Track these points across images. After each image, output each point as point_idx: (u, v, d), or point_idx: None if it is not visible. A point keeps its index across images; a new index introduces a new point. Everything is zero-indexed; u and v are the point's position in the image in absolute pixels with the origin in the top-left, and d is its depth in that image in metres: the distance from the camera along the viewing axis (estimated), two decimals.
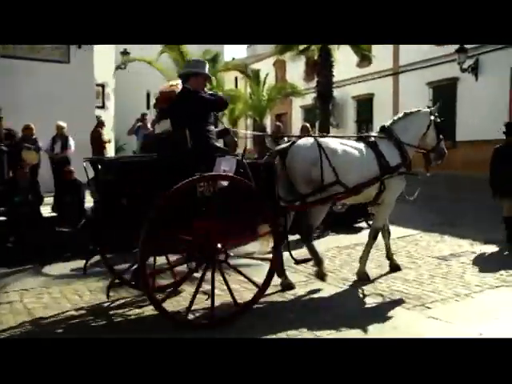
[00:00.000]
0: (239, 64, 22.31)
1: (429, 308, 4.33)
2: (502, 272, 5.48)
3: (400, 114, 5.53)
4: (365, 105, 20.05)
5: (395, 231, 7.58)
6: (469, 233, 7.16)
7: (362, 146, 5.08)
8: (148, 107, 19.50)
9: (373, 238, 5.20)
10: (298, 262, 4.64)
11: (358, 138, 5.28)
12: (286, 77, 23.16)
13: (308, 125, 10.43)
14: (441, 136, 5.58)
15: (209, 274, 3.91)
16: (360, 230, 7.99)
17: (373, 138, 5.18)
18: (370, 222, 6.63)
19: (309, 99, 19.88)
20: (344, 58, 16.76)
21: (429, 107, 5.77)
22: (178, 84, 4.43)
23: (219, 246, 3.94)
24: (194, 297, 3.84)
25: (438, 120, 5.59)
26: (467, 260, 6.04)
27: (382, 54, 17.02)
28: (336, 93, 17.96)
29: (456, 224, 7.77)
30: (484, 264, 5.86)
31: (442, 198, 5.47)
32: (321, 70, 15.50)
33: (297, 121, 23.52)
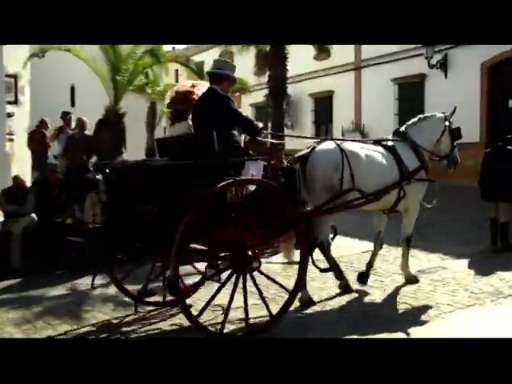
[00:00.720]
0: (180, 55, 22.13)
1: (394, 332, 4.35)
2: (475, 289, 5.64)
3: (414, 119, 6.06)
4: (323, 103, 20.32)
5: (358, 245, 7.70)
6: (440, 246, 7.35)
7: (381, 150, 5.58)
8: (73, 104, 18.89)
9: (407, 245, 5.86)
10: (322, 270, 5.29)
11: (374, 141, 5.79)
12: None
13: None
14: (455, 143, 6.17)
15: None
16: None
17: (390, 142, 5.70)
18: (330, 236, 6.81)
19: (260, 96, 19.93)
20: (300, 51, 16.97)
21: (443, 113, 6.33)
22: (197, 85, 4.88)
23: (250, 253, 4.31)
24: (228, 308, 4.19)
25: (453, 126, 6.18)
26: (437, 276, 6.19)
27: (342, 47, 17.36)
28: (291, 89, 18.06)
29: (426, 236, 7.91)
30: (455, 280, 6.02)
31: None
32: (273, 63, 15.59)
33: None
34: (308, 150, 5.24)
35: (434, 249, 7.10)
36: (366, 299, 5.40)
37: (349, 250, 7.58)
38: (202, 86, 4.96)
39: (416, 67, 15.59)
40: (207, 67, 21.62)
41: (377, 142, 5.74)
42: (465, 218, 7.32)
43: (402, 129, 5.96)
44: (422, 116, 6.10)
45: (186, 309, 4.08)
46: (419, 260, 6.99)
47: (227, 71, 4.68)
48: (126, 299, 5.30)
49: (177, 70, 25.71)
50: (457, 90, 14.56)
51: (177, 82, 25.66)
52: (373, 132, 17.63)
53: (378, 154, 5.47)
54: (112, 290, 5.62)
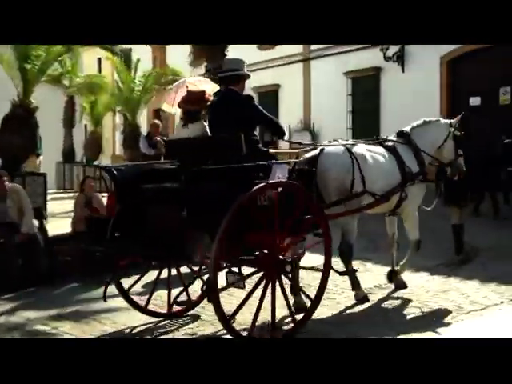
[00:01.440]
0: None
1: None
2: (434, 305, 5.82)
3: (419, 121, 6.60)
4: (268, 98, 20.41)
5: (309, 259, 7.76)
6: (396, 258, 7.53)
7: (383, 151, 6.13)
8: None
9: (416, 248, 6.41)
10: (341, 273, 5.72)
11: (376, 142, 6.33)
12: (167, 60, 23.07)
13: (158, 122, 10.47)
14: (459, 151, 6.65)
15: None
16: None
17: (391, 143, 6.28)
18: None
19: None
20: None
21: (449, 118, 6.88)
22: (206, 84, 5.58)
23: (281, 257, 4.79)
24: (257, 312, 4.60)
25: (458, 133, 6.66)
26: (393, 293, 6.33)
27: None
28: None
29: (381, 248, 7.98)
30: (414, 296, 6.18)
31: (365, 214, 5.86)
32: (211, 52, 15.51)
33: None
34: (316, 152, 5.72)
35: (390, 262, 7.25)
36: (312, 320, 5.44)
37: (305, 264, 7.65)
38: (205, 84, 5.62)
39: (371, 60, 15.94)
40: (136, 55, 21.20)
41: (378, 143, 6.32)
42: (424, 226, 7.54)
43: (407, 129, 6.52)
44: (426, 119, 6.64)
45: (222, 313, 4.46)
46: (375, 275, 7.11)
47: (242, 70, 5.20)
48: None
49: (99, 59, 25.23)
50: (415, 84, 14.99)
51: (99, 72, 25.19)
52: (324, 132, 17.91)
53: (381, 155, 6.05)
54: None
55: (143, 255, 5.35)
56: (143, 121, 21.55)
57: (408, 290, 6.41)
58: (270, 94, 20.16)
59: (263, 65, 19.71)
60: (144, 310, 5.60)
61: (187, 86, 5.95)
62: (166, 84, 19.07)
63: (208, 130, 5.27)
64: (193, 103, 5.35)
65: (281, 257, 4.80)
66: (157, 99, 20.96)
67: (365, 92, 16.86)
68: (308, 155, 5.79)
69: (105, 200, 8.28)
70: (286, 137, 5.50)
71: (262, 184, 4.55)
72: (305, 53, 18.52)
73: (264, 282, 4.69)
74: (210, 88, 5.70)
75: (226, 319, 4.49)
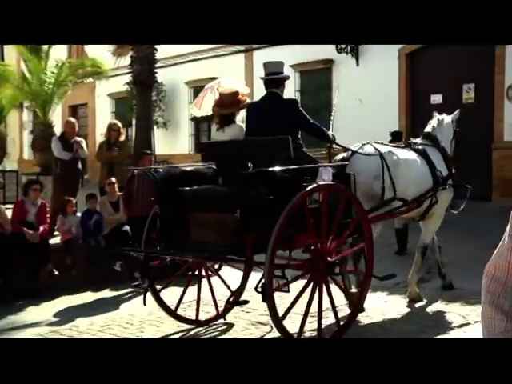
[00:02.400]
0: None
1: None
2: (394, 328, 6.03)
3: (435, 120, 7.41)
4: None
5: (251, 278, 7.88)
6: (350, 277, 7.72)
7: (415, 155, 6.76)
8: None
9: (421, 254, 6.96)
10: (381, 278, 6.16)
11: (406, 145, 6.99)
12: (85, 49, 22.83)
13: (117, 122, 10.40)
14: (458, 149, 7.46)
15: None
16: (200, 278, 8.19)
17: (421, 146, 6.93)
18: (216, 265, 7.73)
19: (121, 84, 19.72)
20: None
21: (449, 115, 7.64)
22: (236, 84, 6.13)
23: (329, 259, 5.41)
24: (305, 315, 5.26)
25: (457, 130, 7.47)
26: (341, 314, 6.50)
27: None
28: (162, 76, 18.16)
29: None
30: (370, 320, 6.37)
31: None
32: None
33: (104, 115, 23.15)
34: (347, 154, 6.29)
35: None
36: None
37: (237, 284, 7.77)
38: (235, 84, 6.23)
39: (322, 52, 16.23)
40: None
41: (407, 146, 6.96)
42: (383, 242, 7.78)
43: (430, 130, 7.26)
44: (439, 117, 7.42)
45: (276, 314, 5.06)
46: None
47: (282, 72, 5.98)
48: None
49: (2, 47, 24.65)
50: (371, 79, 15.42)
51: (2, 59, 24.61)
52: None
53: (413, 160, 6.68)
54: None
55: (189, 257, 5.91)
56: (57, 119, 21.23)
57: (364, 313, 6.57)
58: None
59: (198, 55, 19.79)
60: (174, 314, 6.22)
61: (217, 89, 6.46)
62: (85, 76, 18.87)
63: (244, 132, 5.96)
64: (227, 106, 5.93)
65: (329, 259, 5.43)
66: (73, 94, 20.73)
67: (315, 87, 17.20)
68: (338, 158, 6.40)
69: (9, 212, 8.19)
70: (332, 138, 6.15)
71: (315, 185, 5.30)
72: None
73: (311, 284, 5.36)
74: (242, 88, 6.25)
75: (279, 320, 5.08)
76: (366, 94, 15.13)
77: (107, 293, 7.95)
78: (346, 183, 5.78)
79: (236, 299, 6.33)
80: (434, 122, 7.42)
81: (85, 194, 8.95)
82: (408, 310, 6.76)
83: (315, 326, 5.55)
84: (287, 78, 6.06)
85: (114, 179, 8.81)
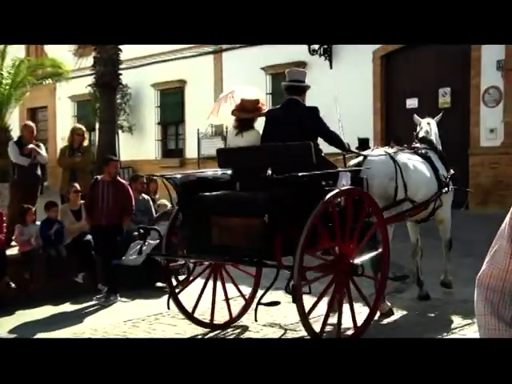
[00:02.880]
0: None
1: None
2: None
3: (427, 124, 7.89)
4: (172, 97, 20.46)
5: (219, 289, 7.86)
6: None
7: (420, 159, 7.24)
8: None
9: (449, 248, 7.60)
10: (394, 279, 6.96)
11: (411, 150, 7.39)
12: (44, 49, 22.59)
13: (81, 126, 10.32)
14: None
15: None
16: (167, 290, 8.11)
17: (424, 150, 7.44)
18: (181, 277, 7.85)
19: (82, 86, 19.54)
20: None
21: (433, 118, 8.12)
22: (255, 93, 6.62)
23: (352, 261, 5.83)
24: (327, 315, 5.75)
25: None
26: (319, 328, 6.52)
27: None
28: (127, 78, 18.08)
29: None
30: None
31: None
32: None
33: (65, 119, 22.94)
34: (360, 159, 6.65)
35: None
36: None
37: (207, 297, 7.72)
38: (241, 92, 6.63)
39: (294, 54, 16.30)
40: None
41: (413, 151, 7.40)
42: None
43: (422, 134, 7.74)
44: (428, 121, 7.91)
45: (304, 313, 5.46)
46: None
47: (305, 81, 6.39)
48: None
49: None
50: (345, 82, 15.48)
51: None
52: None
53: (421, 164, 7.16)
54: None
55: (215, 260, 6.30)
56: (15, 122, 20.97)
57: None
58: (174, 92, 20.21)
59: (165, 56, 19.73)
60: (190, 316, 6.50)
61: (232, 97, 6.90)
62: (44, 77, 18.65)
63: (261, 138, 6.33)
64: (248, 111, 6.35)
65: (352, 261, 5.83)
66: (32, 96, 20.49)
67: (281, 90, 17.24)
68: (352, 163, 6.74)
69: None
70: (348, 147, 6.54)
71: (341, 189, 5.82)
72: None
73: (334, 285, 5.79)
74: (262, 96, 6.71)
75: (307, 319, 5.48)
76: (340, 98, 15.15)
77: (68, 306, 7.83)
78: (361, 187, 6.21)
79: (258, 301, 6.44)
80: (426, 126, 7.86)
81: (44, 202, 8.82)
82: (383, 321, 6.78)
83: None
84: (309, 87, 6.45)
85: (78, 187, 8.73)
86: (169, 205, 9.35)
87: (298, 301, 5.37)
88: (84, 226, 8.56)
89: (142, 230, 8.45)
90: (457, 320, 6.51)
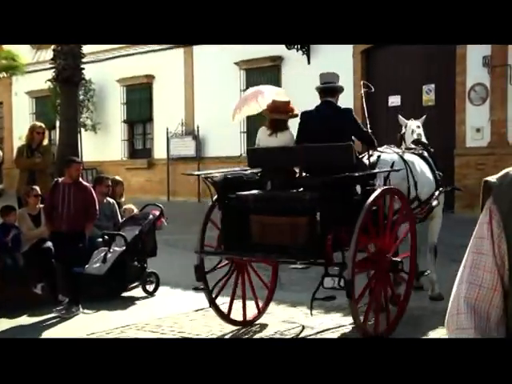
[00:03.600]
0: None
1: None
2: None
3: (418, 128, 8.49)
4: (139, 93, 20.36)
5: (189, 299, 7.83)
6: (302, 296, 7.63)
7: (420, 159, 7.79)
8: None
9: (434, 253, 7.90)
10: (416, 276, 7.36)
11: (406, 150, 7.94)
12: None
13: (42, 124, 10.21)
14: None
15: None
16: (134, 300, 8.04)
17: (420, 151, 8.00)
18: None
19: (41, 81, 19.40)
20: None
21: (416, 119, 8.72)
22: (282, 95, 7.13)
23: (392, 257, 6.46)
24: (368, 310, 6.25)
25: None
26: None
27: None
28: (91, 72, 17.95)
29: (286, 282, 8.31)
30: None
31: None
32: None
33: (22, 116, 22.69)
34: (374, 159, 7.02)
35: (296, 300, 7.37)
36: None
37: (176, 307, 7.67)
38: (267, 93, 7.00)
39: (269, 48, 16.29)
40: None
41: (412, 152, 7.90)
42: None
43: (416, 136, 8.31)
44: (417, 124, 8.53)
45: (357, 311, 6.02)
46: (278, 318, 7.22)
47: (337, 83, 6.91)
48: None
49: None
50: None
51: None
52: (212, 137, 18.09)
53: (422, 163, 7.71)
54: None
55: (256, 257, 6.72)
56: None
57: (316, 336, 6.59)
58: (141, 88, 20.11)
59: (131, 50, 19.62)
60: (226, 317, 6.91)
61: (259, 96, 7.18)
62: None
63: (297, 139, 6.80)
64: (281, 113, 6.80)
65: (392, 258, 6.42)
66: None
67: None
68: (366, 162, 7.01)
69: None
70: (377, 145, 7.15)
71: (383, 189, 6.36)
72: None
73: (374, 281, 6.36)
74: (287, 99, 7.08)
75: (358, 312, 6.01)
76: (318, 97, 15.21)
77: (25, 319, 7.67)
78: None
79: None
80: (417, 129, 8.48)
81: (0, 206, 8.69)
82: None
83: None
84: (342, 88, 6.99)
85: (38, 190, 8.62)
86: (135, 209, 9.29)
87: (352, 296, 5.86)
88: (43, 232, 8.44)
89: (106, 237, 8.37)
90: (442, 332, 6.53)
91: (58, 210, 8.00)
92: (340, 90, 6.96)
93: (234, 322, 6.98)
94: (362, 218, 5.88)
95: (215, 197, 6.70)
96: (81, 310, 7.71)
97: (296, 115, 6.93)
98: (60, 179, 8.30)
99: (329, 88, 6.83)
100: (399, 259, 6.50)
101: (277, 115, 6.80)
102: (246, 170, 7.18)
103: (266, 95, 6.91)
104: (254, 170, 7.03)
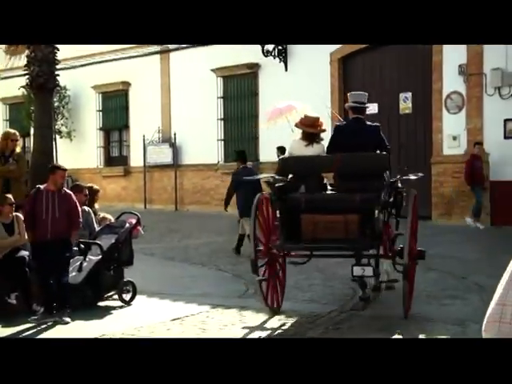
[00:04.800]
0: None
1: None
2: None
3: None
4: (114, 100, 20.30)
5: (166, 308, 7.80)
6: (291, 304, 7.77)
7: None
8: None
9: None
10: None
11: None
12: None
13: (15, 131, 10.13)
14: None
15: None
16: (110, 310, 7.98)
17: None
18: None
19: (15, 87, 19.16)
20: None
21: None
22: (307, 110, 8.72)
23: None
24: (410, 298, 7.23)
25: None
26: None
27: None
28: (66, 79, 17.84)
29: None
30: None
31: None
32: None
33: None
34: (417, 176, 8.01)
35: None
36: None
37: (153, 316, 7.64)
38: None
39: (246, 55, 16.34)
40: None
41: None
42: (312, 266, 7.91)
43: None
44: None
45: (411, 294, 7.26)
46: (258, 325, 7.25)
47: (365, 102, 7.98)
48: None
49: None
50: (301, 85, 15.50)
51: None
52: (189, 144, 18.06)
53: None
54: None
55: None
56: None
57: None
58: (117, 95, 20.05)
59: (107, 56, 19.57)
60: (276, 310, 7.56)
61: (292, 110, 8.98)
62: None
63: (331, 149, 7.71)
64: (314, 127, 7.86)
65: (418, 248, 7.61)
66: None
67: (239, 94, 17.31)
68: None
69: None
70: None
71: (415, 191, 7.45)
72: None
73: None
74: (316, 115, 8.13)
75: (411, 297, 7.22)
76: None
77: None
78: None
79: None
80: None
81: None
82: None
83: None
84: (368, 107, 8.19)
85: (12, 198, 8.52)
86: (112, 218, 9.24)
87: (409, 279, 7.02)
88: (17, 241, 8.33)
89: (82, 245, 8.30)
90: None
91: (42, 218, 7.88)
92: (365, 108, 7.99)
93: (270, 306, 7.61)
94: (412, 212, 7.21)
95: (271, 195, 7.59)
96: (65, 319, 7.56)
97: (324, 130, 7.98)
98: (42, 186, 8.14)
99: (359, 108, 7.82)
100: (423, 249, 7.57)
101: (311, 129, 7.82)
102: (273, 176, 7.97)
103: (299, 110, 8.19)
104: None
